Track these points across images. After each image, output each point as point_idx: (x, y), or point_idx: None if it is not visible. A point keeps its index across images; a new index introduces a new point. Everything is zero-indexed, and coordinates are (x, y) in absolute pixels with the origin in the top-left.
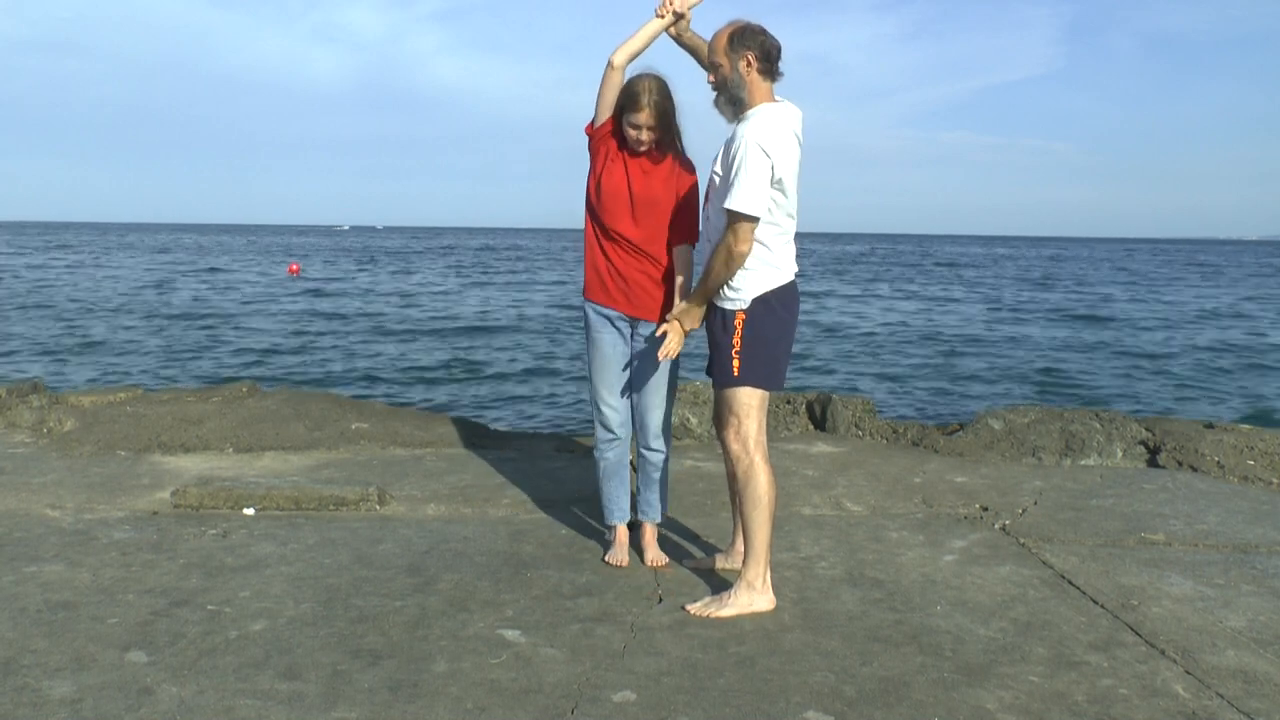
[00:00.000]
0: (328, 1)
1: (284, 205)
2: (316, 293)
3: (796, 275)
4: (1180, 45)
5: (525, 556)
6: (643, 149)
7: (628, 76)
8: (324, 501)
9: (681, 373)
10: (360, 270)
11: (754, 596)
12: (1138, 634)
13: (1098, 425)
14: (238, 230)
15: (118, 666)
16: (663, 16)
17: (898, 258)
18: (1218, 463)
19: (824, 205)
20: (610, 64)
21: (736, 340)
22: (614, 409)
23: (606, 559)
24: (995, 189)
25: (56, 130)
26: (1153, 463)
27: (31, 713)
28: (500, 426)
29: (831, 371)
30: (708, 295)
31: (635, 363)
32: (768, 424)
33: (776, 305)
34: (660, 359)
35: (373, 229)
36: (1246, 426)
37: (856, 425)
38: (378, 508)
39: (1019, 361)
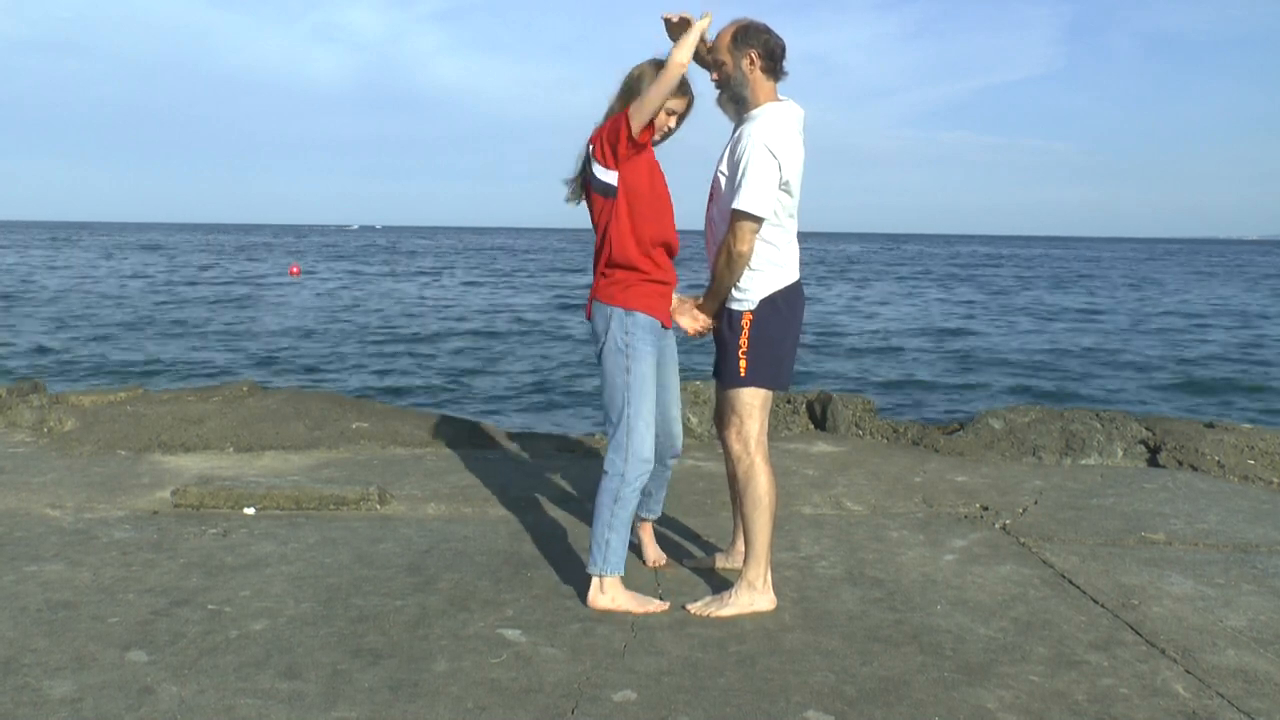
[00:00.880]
0: (328, 1)
1: (284, 205)
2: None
3: (796, 280)
4: (1180, 45)
5: (525, 556)
6: (659, 139)
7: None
8: (324, 501)
9: (681, 372)
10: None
11: (755, 596)
12: (1138, 633)
13: (1098, 425)
14: (239, 230)
15: (118, 666)
16: (702, 17)
17: (916, 259)
18: (1218, 462)
19: (824, 205)
20: (683, 63)
21: (743, 341)
22: (654, 432)
23: None
24: (995, 189)
25: (56, 130)
26: (1153, 462)
27: (32, 712)
28: (500, 426)
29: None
30: (720, 299)
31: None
32: (768, 423)
33: (783, 305)
34: (696, 334)
35: (371, 228)
36: (1247, 426)
37: (857, 425)
38: (378, 507)
39: None
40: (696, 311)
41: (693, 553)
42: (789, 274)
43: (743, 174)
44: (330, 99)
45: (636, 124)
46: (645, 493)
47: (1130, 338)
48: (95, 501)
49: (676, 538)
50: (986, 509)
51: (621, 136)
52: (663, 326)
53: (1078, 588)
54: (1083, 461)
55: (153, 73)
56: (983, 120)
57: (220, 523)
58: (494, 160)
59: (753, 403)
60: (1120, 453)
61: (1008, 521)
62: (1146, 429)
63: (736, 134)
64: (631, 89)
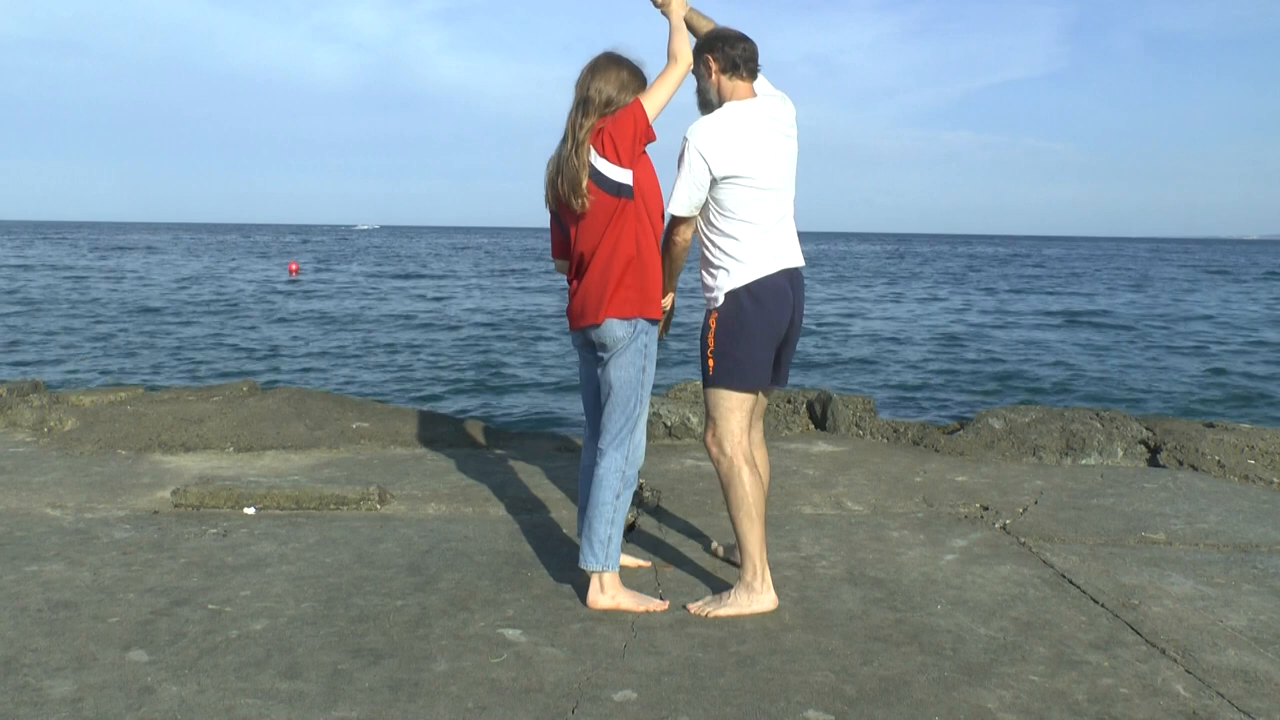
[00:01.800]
0: (329, 1)
1: (284, 206)
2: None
3: (789, 268)
4: (1182, 45)
5: (526, 556)
6: None
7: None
8: (325, 501)
9: (684, 372)
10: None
11: (752, 597)
12: (1138, 633)
13: (1098, 425)
14: (241, 230)
15: (118, 665)
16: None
17: (918, 259)
18: (1218, 462)
19: (824, 205)
20: (686, 61)
21: (711, 340)
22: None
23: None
24: (996, 188)
25: (56, 130)
26: (1153, 462)
27: (32, 712)
28: (501, 426)
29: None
30: (669, 282)
31: None
32: (768, 423)
33: (748, 301)
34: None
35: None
36: (1247, 426)
37: (857, 424)
38: (378, 507)
39: None
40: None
41: (694, 552)
42: (758, 268)
43: (677, 174)
44: (332, 99)
45: (653, 115)
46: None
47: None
48: (96, 501)
49: (678, 537)
50: (987, 509)
51: (640, 132)
52: None
53: (1078, 587)
54: (1083, 461)
55: (153, 72)
56: (984, 120)
57: (220, 522)
58: (495, 160)
59: (727, 404)
60: (1120, 453)
61: (1008, 521)
62: (1147, 429)
63: None
64: (626, 84)
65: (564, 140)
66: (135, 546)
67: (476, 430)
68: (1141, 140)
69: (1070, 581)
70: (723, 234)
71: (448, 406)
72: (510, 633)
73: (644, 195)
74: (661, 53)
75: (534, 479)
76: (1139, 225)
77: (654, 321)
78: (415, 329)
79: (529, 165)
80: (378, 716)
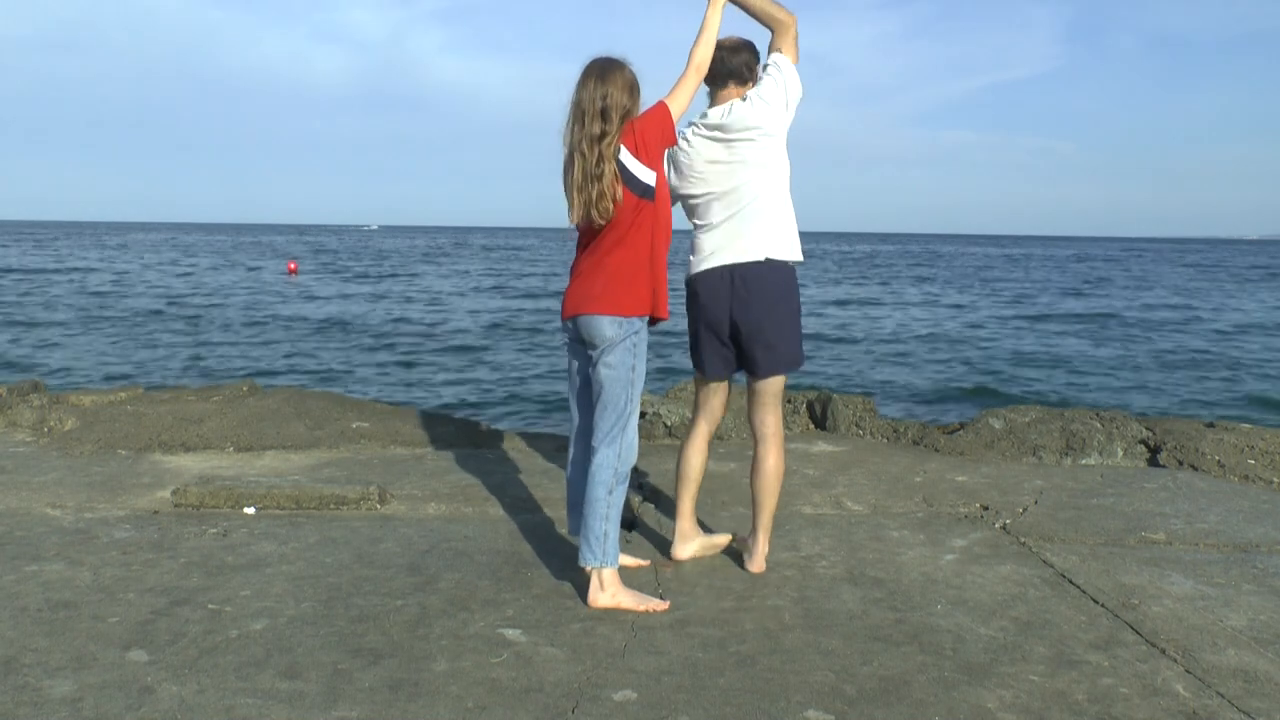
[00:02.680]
0: (330, 1)
1: (283, 205)
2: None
3: (729, 264)
4: (1182, 45)
5: (526, 555)
6: None
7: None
8: (325, 500)
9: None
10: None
11: (674, 548)
12: (1138, 633)
13: (1098, 424)
14: (242, 230)
15: (118, 665)
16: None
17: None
18: (1218, 462)
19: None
20: (703, 71)
21: None
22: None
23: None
24: (997, 188)
25: (56, 130)
26: (1153, 462)
27: (32, 712)
28: (500, 426)
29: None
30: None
31: None
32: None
33: (690, 293)
34: None
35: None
36: (1247, 426)
37: (857, 424)
38: (378, 507)
39: None
40: None
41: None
42: (697, 264)
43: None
44: (333, 99)
45: (676, 119)
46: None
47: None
48: (96, 501)
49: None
50: (987, 509)
51: (667, 136)
52: None
53: (1078, 587)
54: (1083, 461)
55: (153, 72)
56: (984, 119)
57: (220, 522)
58: (496, 160)
59: (695, 382)
60: (1120, 452)
61: (1008, 521)
62: (1147, 429)
63: None
64: (619, 105)
65: (581, 155)
66: (135, 546)
67: (476, 430)
68: (1141, 139)
69: (1070, 581)
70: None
71: (447, 406)
72: (510, 632)
73: (662, 198)
74: (659, 55)
75: (534, 479)
76: (1139, 225)
77: (649, 319)
78: (414, 330)
79: (528, 165)
80: (378, 716)
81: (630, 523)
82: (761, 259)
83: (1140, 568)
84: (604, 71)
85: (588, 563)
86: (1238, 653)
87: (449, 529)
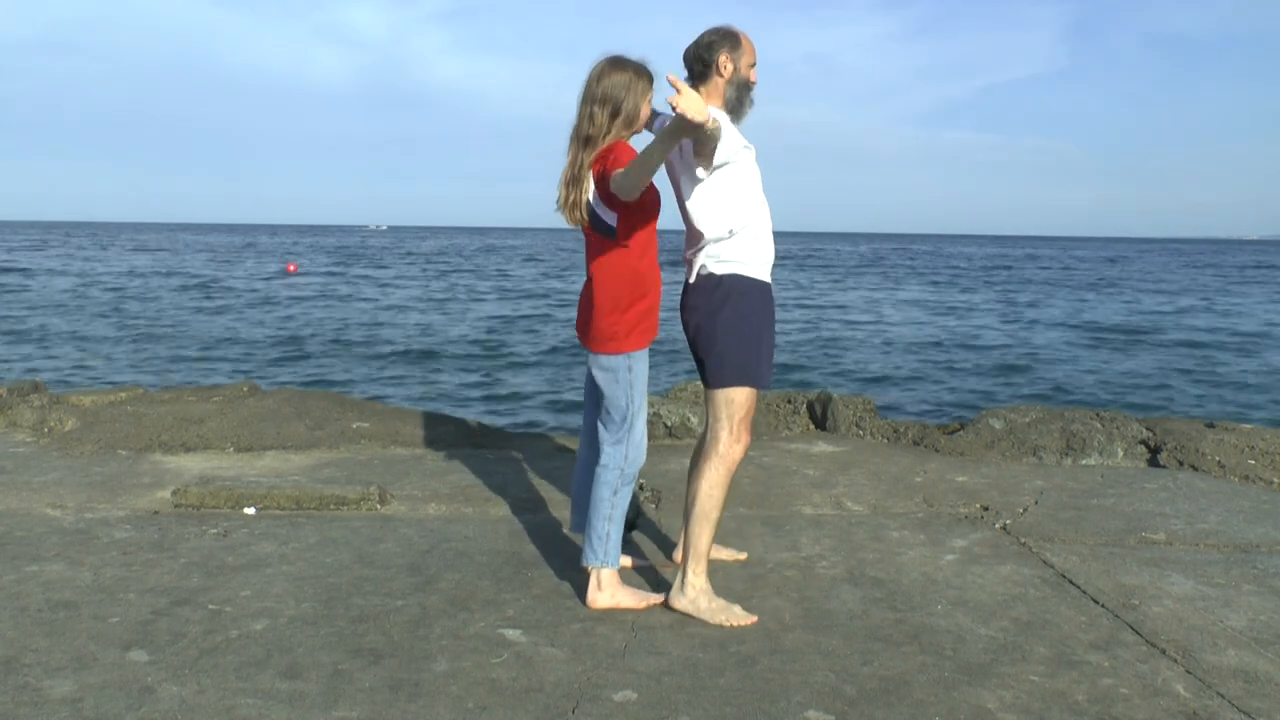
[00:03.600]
0: (330, 1)
1: (284, 206)
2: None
3: (688, 281)
4: (1182, 45)
5: (526, 556)
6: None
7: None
8: (325, 501)
9: (683, 373)
10: None
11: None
12: (1138, 633)
13: (1099, 425)
14: (242, 230)
15: (119, 665)
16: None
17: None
18: (1219, 462)
19: (825, 205)
20: (623, 192)
21: None
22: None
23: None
24: (997, 188)
25: (56, 130)
26: (1154, 462)
27: (32, 712)
28: (501, 426)
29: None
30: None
31: None
32: (768, 423)
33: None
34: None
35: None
36: (1248, 426)
37: (857, 425)
38: (379, 507)
39: None
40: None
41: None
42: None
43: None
44: (333, 99)
45: (623, 195)
46: (579, 507)
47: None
48: (96, 501)
49: (678, 537)
50: (987, 509)
51: (604, 186)
52: None
53: (1078, 588)
54: (1083, 461)
55: (153, 73)
56: (985, 119)
57: (221, 523)
58: (497, 159)
59: None
60: (1121, 453)
61: (1008, 521)
62: (1147, 429)
63: None
64: (614, 99)
65: (572, 151)
66: (135, 546)
67: (476, 430)
68: (1141, 139)
69: (1070, 581)
70: None
71: (448, 406)
72: (510, 633)
73: (631, 232)
74: (659, 54)
75: (534, 479)
76: (1139, 225)
77: (644, 349)
78: (415, 331)
79: (528, 165)
80: (378, 716)
81: (631, 523)
82: (692, 279)
83: (1140, 568)
84: (607, 70)
85: (589, 562)
86: (1238, 653)
87: (449, 529)
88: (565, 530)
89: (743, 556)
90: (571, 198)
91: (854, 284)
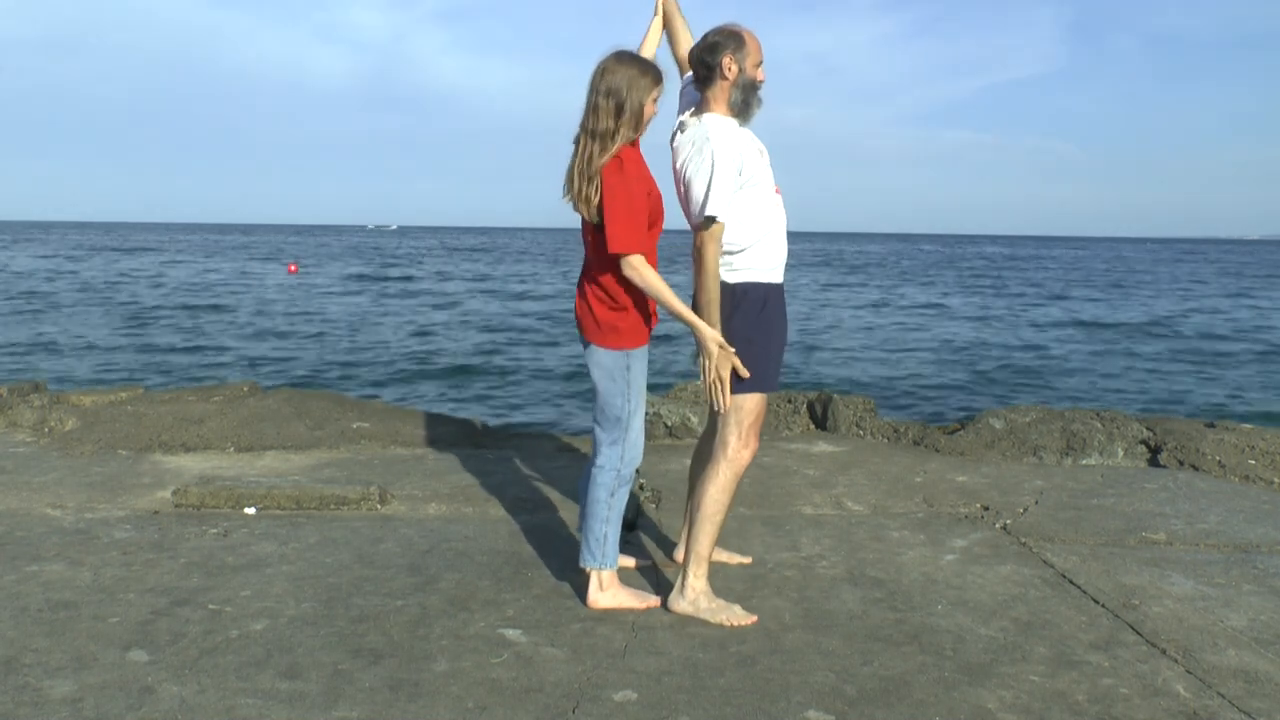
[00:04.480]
0: (330, 1)
1: (285, 206)
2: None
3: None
4: (1182, 45)
5: (526, 556)
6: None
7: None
8: (325, 501)
9: (684, 374)
10: None
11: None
12: (1139, 633)
13: (1099, 425)
14: (242, 230)
15: (119, 665)
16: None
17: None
18: (1219, 462)
19: (825, 205)
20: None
21: None
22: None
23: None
24: (997, 188)
25: (57, 130)
26: (1154, 462)
27: (32, 712)
28: (501, 426)
29: None
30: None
31: None
32: (769, 423)
33: None
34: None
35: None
36: (1248, 426)
37: (858, 424)
38: (379, 507)
39: None
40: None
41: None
42: None
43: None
44: (334, 99)
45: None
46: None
47: None
48: (96, 501)
49: (679, 536)
50: (987, 509)
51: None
52: None
53: (1078, 588)
54: (1083, 461)
55: (153, 72)
56: (984, 119)
57: (221, 522)
58: (498, 160)
59: None
60: (1121, 453)
61: (1008, 521)
62: (1147, 429)
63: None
64: (615, 93)
65: (583, 144)
66: (136, 546)
67: (476, 430)
68: (1141, 139)
69: (1070, 581)
70: None
71: (448, 406)
72: (510, 633)
73: (649, 213)
74: (660, 56)
75: (534, 479)
76: (1139, 225)
77: (644, 349)
78: (415, 331)
79: (530, 166)
80: (378, 716)
81: (631, 523)
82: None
83: (1141, 568)
84: (612, 64)
85: (587, 564)
86: (1238, 653)
87: (449, 529)
88: (566, 530)
89: (747, 560)
90: (584, 191)
91: (854, 284)
